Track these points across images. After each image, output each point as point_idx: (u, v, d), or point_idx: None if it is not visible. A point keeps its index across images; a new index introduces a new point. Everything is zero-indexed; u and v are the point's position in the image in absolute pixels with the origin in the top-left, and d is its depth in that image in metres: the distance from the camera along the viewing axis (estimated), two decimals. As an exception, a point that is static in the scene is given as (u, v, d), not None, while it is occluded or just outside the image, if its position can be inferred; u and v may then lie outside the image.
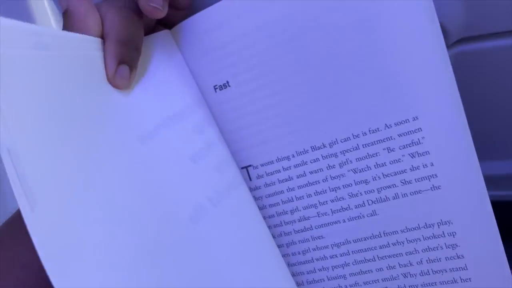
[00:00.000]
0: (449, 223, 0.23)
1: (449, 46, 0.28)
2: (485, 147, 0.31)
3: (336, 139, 0.25)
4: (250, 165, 0.27)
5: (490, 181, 0.36)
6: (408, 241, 0.24)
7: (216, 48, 0.26)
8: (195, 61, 0.27)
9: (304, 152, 0.26)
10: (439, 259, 0.24)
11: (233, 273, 0.24)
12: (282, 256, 0.27)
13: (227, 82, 0.27)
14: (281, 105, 0.26)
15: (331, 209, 0.26)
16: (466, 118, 0.23)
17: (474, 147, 0.23)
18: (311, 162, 0.26)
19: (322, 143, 0.25)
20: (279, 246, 0.27)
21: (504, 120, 0.30)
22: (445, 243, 0.24)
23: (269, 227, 0.27)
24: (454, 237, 0.23)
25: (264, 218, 0.27)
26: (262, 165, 0.27)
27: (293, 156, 0.26)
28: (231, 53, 0.26)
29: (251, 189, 0.27)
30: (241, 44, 0.26)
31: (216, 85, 0.27)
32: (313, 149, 0.25)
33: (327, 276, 0.26)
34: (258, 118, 0.26)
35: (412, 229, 0.24)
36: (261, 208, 0.27)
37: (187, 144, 0.25)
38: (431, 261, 0.24)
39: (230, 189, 0.26)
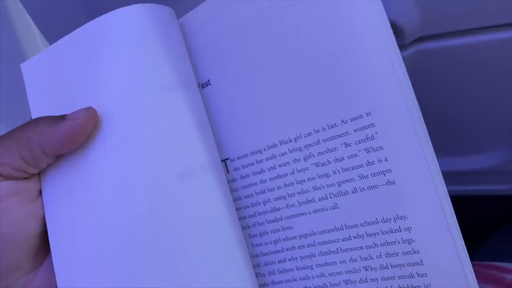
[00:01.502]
0: (404, 218, 0.23)
1: (406, 45, 0.28)
2: (443, 143, 0.30)
3: (300, 133, 0.26)
4: (228, 158, 0.29)
5: (454, 177, 0.35)
6: (368, 235, 0.25)
7: (198, 49, 0.28)
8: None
9: (273, 146, 0.27)
10: (397, 253, 0.24)
11: (192, 249, 0.25)
12: (256, 246, 0.29)
13: (208, 80, 0.29)
14: (252, 101, 0.27)
15: (298, 201, 0.27)
16: (421, 114, 0.23)
17: (435, 143, 0.23)
18: (279, 156, 0.27)
19: (288, 138, 0.26)
20: (253, 236, 0.29)
21: (462, 117, 0.29)
22: (401, 238, 0.24)
23: (244, 217, 0.29)
24: (409, 232, 0.23)
25: (240, 208, 0.29)
26: (238, 158, 0.28)
27: (264, 149, 0.27)
28: (210, 53, 0.28)
29: (228, 181, 0.29)
30: (217, 45, 0.28)
31: (199, 83, 0.29)
32: (281, 143, 0.27)
33: (296, 266, 0.27)
34: (234, 113, 0.28)
35: (371, 223, 0.24)
36: (237, 199, 0.29)
37: (199, 110, 0.28)
38: (389, 255, 0.24)
39: (219, 167, 0.28)
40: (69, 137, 0.23)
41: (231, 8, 0.26)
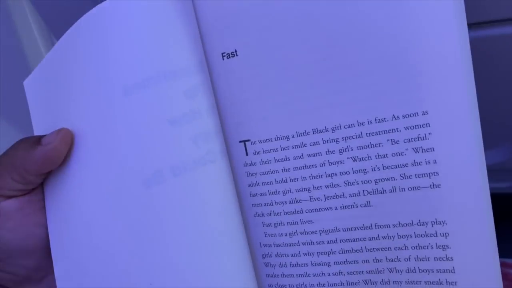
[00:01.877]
0: (443, 223, 0.23)
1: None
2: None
3: (339, 124, 0.24)
4: (248, 140, 0.26)
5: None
6: (399, 236, 0.24)
7: (231, 13, 0.25)
8: (208, 24, 0.26)
9: (304, 134, 0.25)
10: (428, 258, 0.23)
11: (178, 249, 0.23)
12: (269, 236, 0.27)
13: (235, 50, 0.26)
14: (288, 82, 0.25)
15: (324, 195, 0.25)
16: (479, 121, 0.22)
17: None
18: (310, 145, 0.25)
19: (325, 127, 0.24)
20: (267, 225, 0.27)
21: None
22: (436, 243, 0.23)
23: (260, 204, 0.27)
24: (446, 238, 0.23)
25: (255, 195, 0.27)
26: (260, 141, 0.26)
27: (293, 136, 0.25)
28: (244, 20, 0.25)
29: (246, 165, 0.27)
30: (255, 13, 0.25)
31: (224, 53, 0.26)
32: (314, 132, 0.25)
33: (311, 261, 0.26)
34: (262, 92, 0.25)
35: (405, 224, 0.24)
36: (254, 185, 0.27)
37: (172, 105, 0.24)
38: (419, 259, 0.24)
39: (200, 164, 0.24)
40: (45, 161, 0.24)
41: None
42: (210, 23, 0.26)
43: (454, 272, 0.23)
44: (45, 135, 0.25)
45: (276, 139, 0.26)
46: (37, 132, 0.27)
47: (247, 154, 0.27)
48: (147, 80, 0.23)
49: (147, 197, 0.23)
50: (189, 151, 0.24)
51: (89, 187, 0.24)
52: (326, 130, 0.24)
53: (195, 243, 0.23)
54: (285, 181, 0.26)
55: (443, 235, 0.23)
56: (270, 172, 0.26)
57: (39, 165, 0.24)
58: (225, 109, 0.26)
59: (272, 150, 0.26)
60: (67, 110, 0.25)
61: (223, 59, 0.26)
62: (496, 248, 0.22)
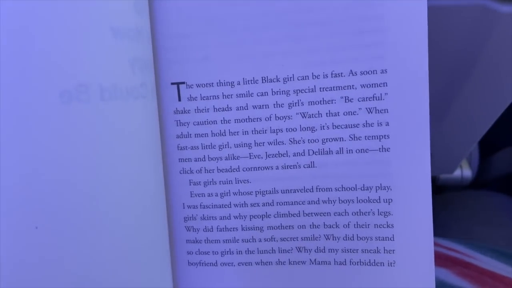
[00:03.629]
0: (387, 188, 0.22)
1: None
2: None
3: (292, 75, 0.22)
4: (183, 82, 0.23)
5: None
6: (341, 201, 0.22)
7: None
8: None
9: (252, 82, 0.22)
10: (368, 225, 0.22)
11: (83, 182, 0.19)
12: (196, 196, 0.24)
13: None
14: (240, 18, 0.22)
15: (266, 152, 0.23)
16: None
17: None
18: (257, 95, 0.22)
19: (276, 76, 0.22)
20: (195, 183, 0.23)
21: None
22: (378, 209, 0.22)
23: (189, 159, 0.23)
24: (389, 204, 0.22)
25: (185, 148, 0.23)
26: (198, 85, 0.23)
27: (239, 83, 0.22)
28: None
29: (177, 112, 0.23)
30: None
31: (166, -24, 0.22)
32: (264, 81, 0.22)
33: (242, 226, 0.23)
34: (207, 27, 0.22)
35: (348, 189, 0.22)
36: (184, 136, 0.23)
37: (119, 14, 0.19)
38: (359, 226, 0.23)
39: (131, 96, 0.20)
40: None
41: None
42: None
43: (393, 240, 0.22)
44: None
45: (219, 84, 0.22)
46: None
47: (179, 100, 0.23)
48: None
49: (57, 115, 0.18)
50: (124, 75, 0.19)
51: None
52: (277, 80, 0.22)
53: (106, 181, 0.19)
54: (224, 134, 0.23)
55: (386, 201, 0.22)
56: (206, 123, 0.23)
57: None
58: (160, 41, 0.22)
59: (212, 97, 0.23)
60: None
61: None
62: (431, 216, 0.22)
